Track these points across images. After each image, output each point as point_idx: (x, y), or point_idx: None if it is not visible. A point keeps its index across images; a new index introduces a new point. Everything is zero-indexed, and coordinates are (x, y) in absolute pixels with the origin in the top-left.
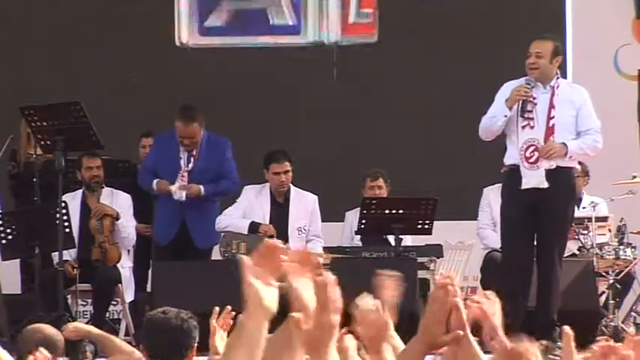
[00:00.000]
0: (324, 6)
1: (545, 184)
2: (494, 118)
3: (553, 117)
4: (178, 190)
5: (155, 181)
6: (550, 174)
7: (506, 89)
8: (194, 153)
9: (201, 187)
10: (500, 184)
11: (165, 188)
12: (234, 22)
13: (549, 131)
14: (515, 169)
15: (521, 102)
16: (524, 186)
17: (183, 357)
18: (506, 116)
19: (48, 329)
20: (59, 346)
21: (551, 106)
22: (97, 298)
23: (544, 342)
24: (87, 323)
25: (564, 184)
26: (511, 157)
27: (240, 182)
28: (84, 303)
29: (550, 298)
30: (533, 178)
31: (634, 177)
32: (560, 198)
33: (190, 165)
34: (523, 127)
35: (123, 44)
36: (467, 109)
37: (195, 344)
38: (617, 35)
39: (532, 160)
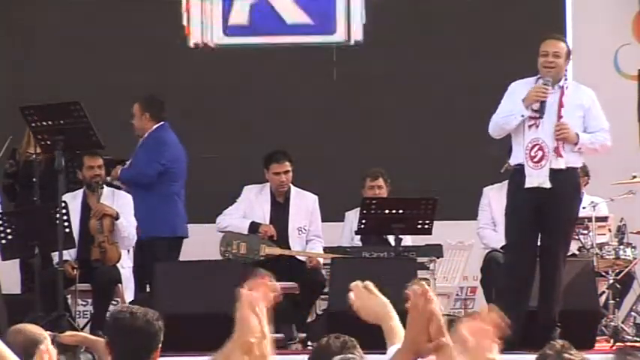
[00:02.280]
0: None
1: (548, 185)
2: (511, 116)
3: (562, 117)
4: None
5: None
6: (556, 174)
7: (515, 89)
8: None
9: (119, 169)
10: (500, 184)
11: None
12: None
13: None
14: (520, 169)
15: (539, 102)
16: (527, 185)
17: (148, 359)
18: (523, 116)
19: (30, 330)
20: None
21: (561, 106)
22: (97, 298)
23: (560, 341)
24: (87, 323)
25: (570, 184)
26: (517, 157)
27: (150, 176)
28: (84, 303)
29: (552, 299)
30: (537, 178)
31: (634, 177)
32: (566, 198)
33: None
34: (530, 126)
35: (123, 44)
36: (467, 109)
37: (160, 345)
38: (617, 35)
39: (536, 159)
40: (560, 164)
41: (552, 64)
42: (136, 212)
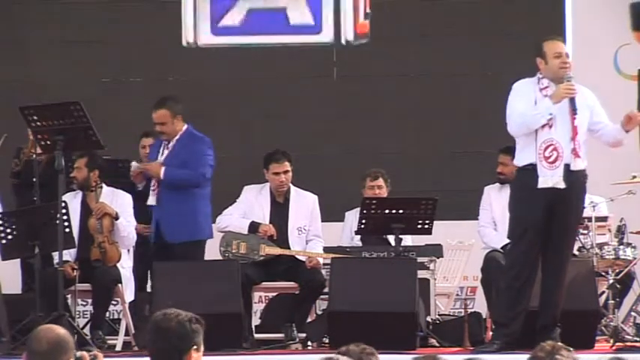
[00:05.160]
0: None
1: (563, 185)
2: (538, 115)
3: (576, 116)
4: (134, 165)
5: None
6: (570, 175)
7: (522, 88)
8: (169, 146)
9: (162, 168)
10: (500, 184)
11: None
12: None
13: (575, 130)
14: (530, 169)
15: (568, 99)
16: (540, 185)
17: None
18: (551, 114)
19: (60, 329)
20: (70, 347)
21: (574, 106)
22: (96, 298)
23: (550, 342)
24: (87, 323)
25: (580, 185)
26: (527, 157)
27: (207, 178)
28: (84, 303)
29: (555, 299)
30: (551, 178)
31: (634, 177)
32: (575, 200)
33: (163, 157)
34: (542, 126)
35: (123, 43)
36: (467, 109)
37: (195, 346)
38: (617, 35)
39: (551, 159)
40: (579, 165)
41: (568, 63)
42: (174, 215)
